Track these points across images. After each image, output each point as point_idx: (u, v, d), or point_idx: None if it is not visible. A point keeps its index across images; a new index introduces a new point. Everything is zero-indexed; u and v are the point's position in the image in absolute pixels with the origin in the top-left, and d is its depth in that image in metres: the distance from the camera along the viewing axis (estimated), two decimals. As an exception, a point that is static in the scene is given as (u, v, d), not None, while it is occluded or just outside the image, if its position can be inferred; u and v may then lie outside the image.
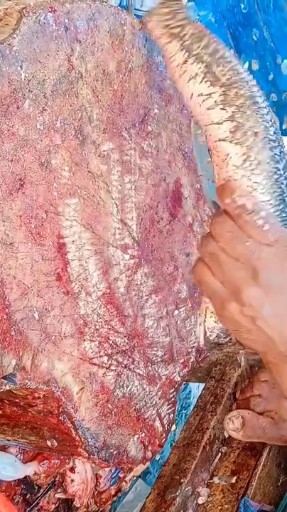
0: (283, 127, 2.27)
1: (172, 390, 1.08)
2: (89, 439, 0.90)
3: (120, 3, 1.39)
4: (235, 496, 1.13)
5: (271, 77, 2.20)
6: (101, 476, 1.32)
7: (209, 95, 0.85)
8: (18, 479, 1.20)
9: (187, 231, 1.13)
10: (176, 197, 1.08)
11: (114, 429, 0.95)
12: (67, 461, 1.21)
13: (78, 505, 1.29)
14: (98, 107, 0.89)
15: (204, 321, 0.88)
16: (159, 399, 1.05)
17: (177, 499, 1.08)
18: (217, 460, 1.22)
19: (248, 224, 0.80)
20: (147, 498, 1.12)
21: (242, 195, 0.82)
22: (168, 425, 1.08)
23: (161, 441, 1.06)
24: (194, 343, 1.02)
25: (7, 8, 0.77)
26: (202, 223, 1.17)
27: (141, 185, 0.99)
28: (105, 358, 0.92)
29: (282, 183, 0.85)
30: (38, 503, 1.24)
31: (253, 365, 1.36)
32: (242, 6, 2.00)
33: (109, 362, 0.93)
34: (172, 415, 1.08)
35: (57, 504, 1.29)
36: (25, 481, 1.22)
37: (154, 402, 1.04)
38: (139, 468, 1.41)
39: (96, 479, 1.32)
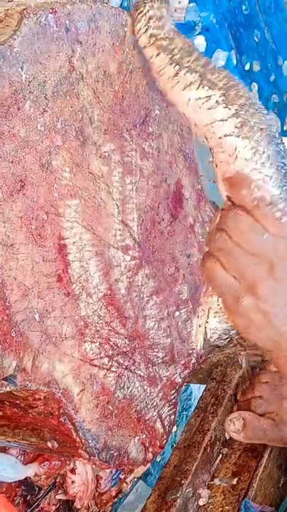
0: (285, 128, 2.27)
1: (173, 392, 1.08)
2: (90, 441, 0.90)
3: (121, 4, 1.39)
4: (236, 498, 1.13)
5: (272, 78, 2.21)
6: (101, 478, 1.32)
7: (208, 97, 0.85)
8: (19, 480, 1.20)
9: (189, 232, 1.13)
10: (177, 198, 1.08)
11: (115, 430, 0.95)
12: (67, 462, 1.21)
13: (79, 506, 1.29)
14: (99, 108, 0.89)
15: (206, 322, 0.88)
16: (160, 400, 1.05)
17: (178, 501, 1.08)
18: (217, 461, 1.22)
19: (267, 216, 0.78)
20: (148, 499, 1.12)
21: (260, 186, 0.82)
22: (169, 426, 1.08)
23: (162, 443, 1.06)
24: (195, 344, 1.02)
25: (8, 10, 0.77)
26: (203, 224, 1.17)
27: (142, 186, 0.99)
28: (106, 360, 0.92)
29: None
30: (38, 505, 1.24)
31: (255, 366, 1.37)
32: (243, 7, 2.00)
33: (110, 363, 0.93)
34: (173, 416, 1.08)
35: (57, 505, 1.29)
36: (26, 483, 1.22)
37: (155, 404, 1.04)
38: (140, 470, 1.41)
39: (97, 480, 1.32)
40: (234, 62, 1.97)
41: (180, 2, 1.73)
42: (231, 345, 1.33)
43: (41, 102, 0.79)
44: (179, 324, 1.09)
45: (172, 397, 1.08)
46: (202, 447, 1.18)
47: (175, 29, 0.90)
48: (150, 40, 0.89)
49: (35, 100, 0.78)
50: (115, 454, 0.95)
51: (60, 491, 1.27)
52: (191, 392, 2.15)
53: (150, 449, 1.03)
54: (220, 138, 0.84)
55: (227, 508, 1.12)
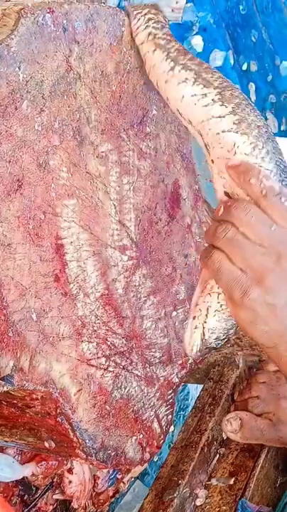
0: (282, 128, 2.27)
1: (170, 392, 1.08)
2: (87, 441, 0.90)
3: (119, 4, 1.39)
4: (233, 498, 1.13)
5: (269, 78, 2.21)
6: (99, 477, 1.32)
7: (204, 95, 0.85)
8: (16, 480, 1.20)
9: (186, 232, 1.13)
10: (174, 198, 1.08)
11: (112, 430, 0.95)
12: (64, 462, 1.22)
13: (76, 506, 1.29)
14: (96, 108, 0.89)
15: (205, 322, 0.87)
16: (157, 400, 1.05)
17: (175, 501, 1.08)
18: (215, 461, 1.22)
19: (274, 207, 0.78)
20: (145, 499, 1.12)
21: (268, 176, 0.81)
22: (166, 426, 1.08)
23: (159, 443, 1.06)
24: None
25: (5, 9, 0.77)
26: (201, 224, 1.17)
27: (140, 186, 0.99)
28: (103, 360, 0.92)
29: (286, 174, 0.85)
30: (35, 504, 1.24)
31: (252, 366, 1.37)
32: (241, 7, 2.00)
33: (107, 363, 0.93)
34: (170, 416, 1.08)
35: (55, 505, 1.29)
36: (23, 482, 1.22)
37: (152, 404, 1.04)
38: (137, 470, 1.42)
39: (94, 480, 1.32)
40: (232, 62, 1.97)
41: (177, 2, 1.73)
42: (229, 345, 1.33)
43: (38, 101, 0.79)
44: (176, 324, 1.09)
45: (170, 397, 1.08)
46: (199, 447, 1.18)
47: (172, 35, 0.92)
48: (148, 38, 0.90)
49: (33, 100, 0.78)
50: (112, 454, 0.95)
51: (57, 491, 1.27)
52: (188, 392, 2.15)
53: (148, 449, 1.03)
54: (218, 134, 0.84)
55: (224, 508, 1.12)
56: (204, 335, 0.87)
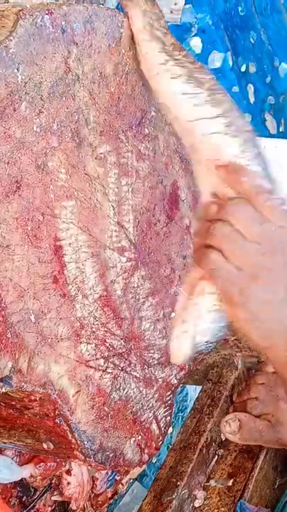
0: (281, 129, 2.27)
1: (168, 393, 1.08)
2: (86, 442, 0.90)
3: (117, 5, 1.39)
4: (231, 499, 1.13)
5: (268, 79, 2.21)
6: (97, 479, 1.32)
7: (195, 94, 0.85)
8: (14, 482, 1.20)
9: (184, 233, 1.13)
10: (173, 199, 1.08)
11: (111, 431, 0.95)
12: (63, 463, 1.21)
13: (74, 507, 1.29)
14: (95, 109, 0.89)
15: (195, 325, 0.87)
16: (156, 401, 1.05)
17: (174, 502, 1.08)
18: (213, 463, 1.22)
19: (267, 204, 0.78)
20: (143, 500, 1.12)
21: (258, 174, 0.82)
22: (165, 428, 1.08)
23: (158, 444, 1.06)
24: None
25: (4, 11, 0.77)
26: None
27: (138, 187, 0.99)
28: (101, 361, 0.92)
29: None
30: (34, 506, 1.24)
31: (251, 367, 1.37)
32: (240, 9, 2.00)
33: (106, 364, 0.93)
34: (169, 418, 1.08)
35: (53, 507, 1.29)
36: (22, 484, 1.22)
37: (151, 405, 1.04)
38: (136, 471, 1.41)
39: (93, 482, 1.32)
40: (230, 63, 1.97)
41: (176, 3, 1.73)
42: (228, 346, 1.33)
43: (37, 103, 0.79)
44: (175, 325, 1.09)
45: (168, 398, 1.08)
46: (197, 448, 1.18)
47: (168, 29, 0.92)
48: (145, 27, 0.90)
49: (31, 101, 0.78)
50: (111, 456, 0.95)
51: (55, 492, 1.27)
52: (187, 394, 2.15)
53: (146, 451, 1.03)
54: (208, 135, 0.84)
55: (223, 509, 1.12)
56: (194, 338, 0.86)
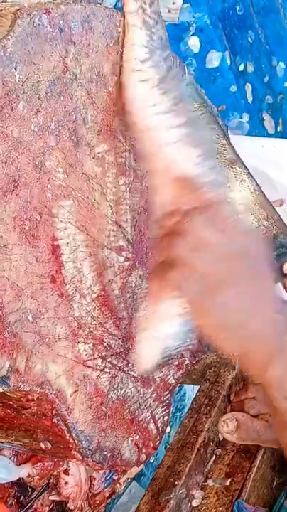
0: (278, 129, 2.27)
1: (166, 393, 1.08)
2: (83, 442, 0.90)
3: (115, 4, 1.39)
4: (229, 499, 1.13)
5: (266, 79, 2.21)
6: (95, 478, 1.31)
7: (160, 103, 0.87)
8: (12, 481, 1.20)
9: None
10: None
11: (108, 431, 0.95)
12: (61, 463, 1.21)
13: (72, 507, 1.29)
14: (92, 108, 0.89)
15: (157, 330, 0.86)
16: (153, 401, 1.05)
17: (172, 502, 1.08)
18: (211, 462, 1.22)
19: (222, 214, 0.80)
20: (141, 500, 1.12)
21: (212, 186, 0.83)
22: (163, 427, 1.08)
23: (155, 444, 1.06)
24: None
25: (1, 10, 0.77)
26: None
27: (136, 187, 0.99)
28: (99, 361, 0.92)
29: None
30: (31, 506, 1.24)
31: (248, 367, 1.36)
32: (237, 8, 2.01)
33: (103, 364, 0.93)
34: (166, 417, 1.08)
35: (51, 506, 1.29)
36: (19, 484, 1.22)
37: (148, 405, 1.04)
38: (133, 471, 1.41)
39: (91, 481, 1.31)
40: (228, 63, 1.97)
41: (174, 3, 1.73)
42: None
43: (35, 102, 0.79)
44: (172, 325, 1.09)
45: (166, 398, 1.08)
46: (195, 448, 1.18)
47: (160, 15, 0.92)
48: (138, 11, 0.90)
49: (29, 101, 0.78)
50: (108, 455, 0.95)
51: (53, 492, 1.27)
52: (185, 393, 2.15)
53: (144, 450, 1.03)
54: (167, 144, 0.85)
55: (220, 509, 1.12)
56: (163, 343, 0.86)
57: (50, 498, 1.27)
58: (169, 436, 1.67)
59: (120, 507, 1.63)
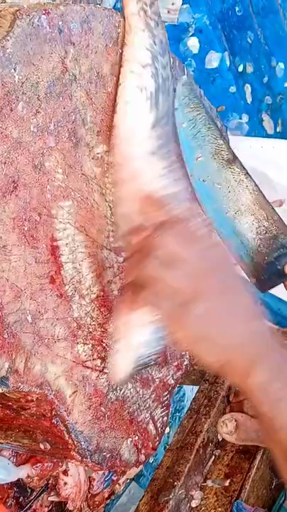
0: (278, 129, 2.27)
1: (165, 393, 1.08)
2: (82, 443, 0.90)
3: (114, 5, 1.39)
4: (228, 499, 1.13)
5: (265, 79, 2.21)
6: (94, 479, 1.32)
7: (146, 117, 0.87)
8: (11, 482, 1.20)
9: (181, 234, 1.13)
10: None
11: (107, 432, 0.95)
12: (60, 464, 1.21)
13: (71, 508, 1.29)
14: (92, 109, 0.89)
15: (135, 337, 0.87)
16: (153, 402, 1.05)
17: (171, 502, 1.08)
18: (210, 463, 1.22)
19: (187, 229, 0.81)
20: (140, 500, 1.12)
21: (177, 202, 0.85)
22: (162, 428, 1.08)
23: (155, 444, 1.06)
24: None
25: (0, 11, 0.77)
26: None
27: (135, 187, 0.99)
28: (98, 361, 0.92)
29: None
30: (31, 506, 1.24)
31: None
32: (237, 9, 2.01)
33: (103, 365, 0.93)
34: (165, 418, 1.08)
35: (50, 507, 1.29)
36: (18, 484, 1.22)
37: (147, 405, 1.04)
38: (133, 471, 1.41)
39: (90, 482, 1.32)
40: (228, 63, 1.97)
41: (173, 3, 1.73)
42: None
43: (34, 103, 0.79)
44: (172, 326, 1.09)
45: (165, 398, 1.08)
46: (194, 449, 1.18)
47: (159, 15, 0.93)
48: (139, 13, 0.90)
49: (28, 101, 0.78)
50: (107, 456, 0.95)
51: (52, 493, 1.27)
52: (184, 394, 2.15)
53: (143, 451, 1.03)
54: (136, 157, 0.88)
55: (220, 509, 1.12)
56: (136, 351, 0.87)
57: (49, 498, 1.27)
58: (168, 437, 1.67)
59: (119, 507, 1.63)
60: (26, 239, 0.79)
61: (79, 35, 0.85)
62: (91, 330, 0.91)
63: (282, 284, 1.18)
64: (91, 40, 0.87)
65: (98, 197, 0.91)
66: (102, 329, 0.93)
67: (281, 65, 2.23)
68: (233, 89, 2.03)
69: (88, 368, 0.90)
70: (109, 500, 1.39)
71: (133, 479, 1.66)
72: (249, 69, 2.13)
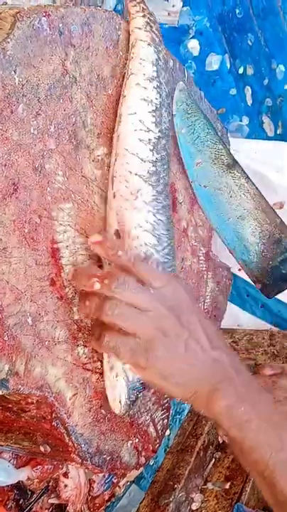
0: (278, 132, 2.27)
1: (165, 396, 1.08)
2: (83, 445, 0.90)
3: (115, 7, 1.39)
4: (229, 502, 1.13)
5: (265, 82, 2.21)
6: (94, 481, 1.31)
7: (147, 130, 0.88)
8: (11, 484, 1.20)
9: (182, 236, 1.13)
10: (170, 202, 1.08)
11: (108, 434, 0.95)
12: (60, 466, 1.21)
13: (71, 510, 1.29)
14: (92, 111, 0.89)
15: (123, 367, 0.88)
16: (153, 404, 1.05)
17: (171, 505, 1.08)
18: (210, 466, 1.22)
19: (146, 271, 0.83)
20: (141, 503, 1.12)
21: (133, 244, 0.87)
22: (162, 430, 1.08)
23: (155, 447, 1.05)
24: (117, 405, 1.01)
25: (1, 13, 0.77)
26: (197, 228, 1.17)
27: (135, 190, 0.99)
28: (99, 364, 0.92)
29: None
30: (31, 509, 1.23)
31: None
32: (237, 11, 2.00)
33: (103, 367, 0.93)
34: (166, 420, 1.08)
35: (50, 509, 1.28)
36: (19, 487, 1.22)
37: (148, 408, 1.04)
38: (133, 474, 1.41)
39: (90, 484, 1.31)
40: (228, 65, 1.97)
41: (173, 6, 1.73)
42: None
43: (34, 105, 0.79)
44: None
45: (165, 401, 1.08)
46: (195, 451, 1.18)
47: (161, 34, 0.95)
48: (145, 27, 0.91)
49: (28, 103, 0.78)
50: (108, 459, 0.95)
51: (52, 495, 1.27)
52: (184, 396, 2.13)
53: (143, 453, 1.03)
54: (129, 172, 0.88)
55: (220, 512, 1.12)
56: (127, 380, 0.88)
57: (49, 501, 1.27)
58: (169, 439, 1.66)
59: (120, 510, 1.62)
60: (26, 241, 0.79)
61: (79, 37, 0.85)
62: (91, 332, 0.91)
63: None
64: (91, 43, 0.87)
65: (98, 199, 0.91)
66: (102, 331, 0.93)
67: (281, 67, 2.23)
68: (233, 91, 2.03)
69: (88, 370, 0.90)
70: (109, 503, 1.39)
71: (133, 482, 1.66)
72: (250, 71, 2.13)
